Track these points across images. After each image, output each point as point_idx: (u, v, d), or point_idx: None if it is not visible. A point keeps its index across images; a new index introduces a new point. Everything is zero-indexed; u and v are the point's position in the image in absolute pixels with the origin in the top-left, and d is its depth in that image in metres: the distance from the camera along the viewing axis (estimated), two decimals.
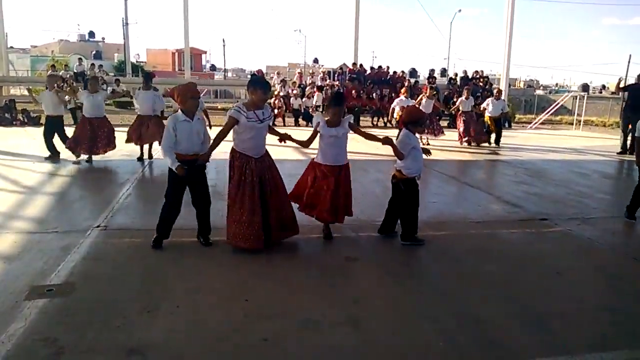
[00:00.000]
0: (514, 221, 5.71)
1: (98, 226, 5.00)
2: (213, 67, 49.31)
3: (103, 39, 48.38)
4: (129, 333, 2.99)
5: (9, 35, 28.79)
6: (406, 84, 18.23)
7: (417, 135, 4.89)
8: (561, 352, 2.95)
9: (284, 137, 4.55)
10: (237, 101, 22.96)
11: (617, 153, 11.53)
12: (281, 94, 17.87)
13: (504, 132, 13.14)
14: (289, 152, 8.28)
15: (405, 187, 4.64)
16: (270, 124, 4.59)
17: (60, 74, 18.72)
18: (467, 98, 12.24)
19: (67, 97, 9.87)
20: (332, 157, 4.57)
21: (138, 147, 8.84)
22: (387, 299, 3.63)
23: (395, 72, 20.72)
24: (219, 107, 22.55)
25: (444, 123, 15.86)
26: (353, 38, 21.91)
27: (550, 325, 3.27)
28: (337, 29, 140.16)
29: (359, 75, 20.02)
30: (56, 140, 8.79)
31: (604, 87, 41.56)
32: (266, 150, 4.46)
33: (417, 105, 9.79)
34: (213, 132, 4.68)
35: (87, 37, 46.52)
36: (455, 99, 15.81)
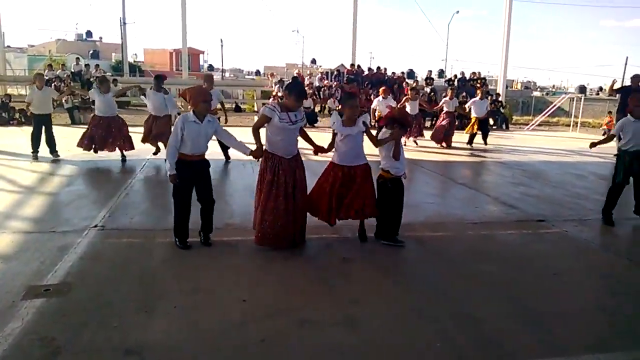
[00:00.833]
0: (511, 222, 5.73)
1: (95, 226, 4.99)
2: (211, 67, 49.19)
3: (100, 38, 48.28)
4: (126, 333, 2.99)
5: (6, 34, 28.71)
6: (404, 84, 18.28)
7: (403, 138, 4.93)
8: (558, 353, 2.96)
9: (318, 150, 4.63)
10: (235, 102, 23.00)
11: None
12: (279, 94, 17.87)
13: (501, 133, 13.22)
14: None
15: (392, 186, 4.67)
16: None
17: (57, 73, 18.72)
18: (451, 98, 12.08)
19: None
20: (347, 157, 4.57)
21: (143, 147, 8.97)
22: (385, 299, 3.64)
23: (393, 73, 20.74)
24: (217, 107, 22.43)
25: (428, 123, 15.90)
26: (351, 39, 21.94)
27: (547, 325, 3.28)
28: (335, 30, 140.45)
29: (357, 76, 20.03)
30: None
31: (601, 89, 41.68)
32: (298, 152, 4.48)
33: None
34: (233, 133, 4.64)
35: (84, 37, 46.40)
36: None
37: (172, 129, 4.37)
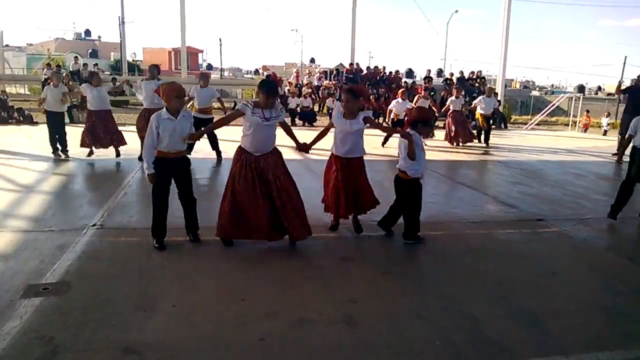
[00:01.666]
0: (510, 221, 5.74)
1: (94, 225, 4.98)
2: (210, 66, 49.19)
3: (99, 37, 48.29)
4: (125, 332, 2.99)
5: (4, 33, 28.63)
6: (402, 84, 18.27)
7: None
8: (557, 352, 2.96)
9: (301, 148, 4.67)
10: (233, 101, 22.98)
11: (613, 154, 11.58)
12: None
13: (500, 132, 13.23)
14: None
15: (410, 187, 4.66)
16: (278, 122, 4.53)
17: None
18: (457, 97, 12.29)
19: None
20: (342, 149, 4.67)
21: (134, 146, 8.84)
22: (383, 298, 3.64)
23: (391, 73, 20.75)
24: (215, 106, 22.45)
25: (440, 123, 15.89)
26: (350, 38, 21.94)
27: (546, 324, 3.28)
28: (334, 29, 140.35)
29: (356, 75, 20.02)
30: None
31: (599, 88, 41.79)
32: (274, 150, 4.45)
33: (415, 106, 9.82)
34: (221, 131, 4.66)
35: (83, 36, 46.37)
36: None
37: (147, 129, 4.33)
